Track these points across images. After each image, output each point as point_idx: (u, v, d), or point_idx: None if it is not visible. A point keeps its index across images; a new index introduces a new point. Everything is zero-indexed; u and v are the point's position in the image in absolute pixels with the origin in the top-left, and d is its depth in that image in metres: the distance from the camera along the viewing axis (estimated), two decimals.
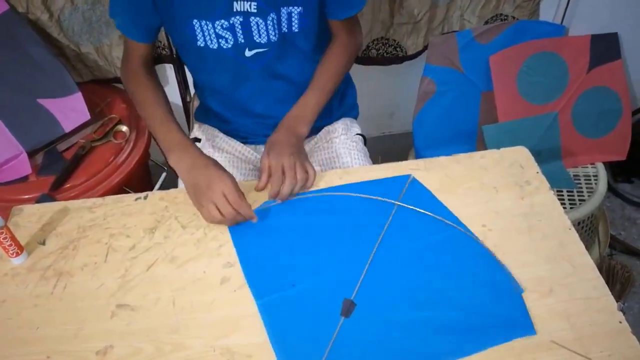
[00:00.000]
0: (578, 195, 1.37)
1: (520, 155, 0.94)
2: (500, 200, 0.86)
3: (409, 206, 0.83)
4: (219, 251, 0.82)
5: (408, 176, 0.89)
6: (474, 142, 1.43)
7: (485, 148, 1.40)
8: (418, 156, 1.45)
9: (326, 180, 0.91)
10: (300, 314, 0.73)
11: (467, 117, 1.42)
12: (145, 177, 1.35)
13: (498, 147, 1.41)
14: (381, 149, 1.41)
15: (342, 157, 1.04)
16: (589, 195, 1.36)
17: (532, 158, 0.93)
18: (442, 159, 0.94)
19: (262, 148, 1.11)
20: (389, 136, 1.75)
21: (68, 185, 1.11)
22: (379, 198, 0.85)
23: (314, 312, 0.73)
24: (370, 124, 1.59)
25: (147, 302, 0.76)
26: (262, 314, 0.73)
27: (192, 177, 0.84)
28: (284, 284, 0.76)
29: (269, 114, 1.02)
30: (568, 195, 1.37)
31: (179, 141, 0.88)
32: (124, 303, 0.76)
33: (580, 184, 1.40)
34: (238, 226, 0.84)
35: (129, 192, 1.14)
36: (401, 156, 1.54)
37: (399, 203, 0.84)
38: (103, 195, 1.10)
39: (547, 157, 1.41)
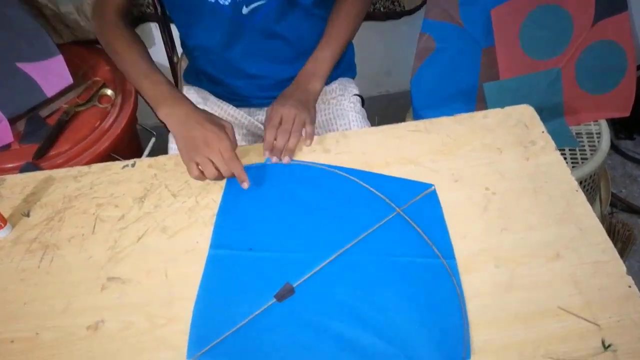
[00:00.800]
0: (580, 154, 1.34)
1: (525, 113, 0.90)
2: (504, 162, 0.82)
3: (407, 218, 0.76)
4: (211, 220, 0.78)
5: (428, 186, 0.81)
6: (474, 101, 1.38)
7: (485, 107, 1.35)
8: (416, 117, 1.40)
9: (323, 144, 0.87)
10: (238, 280, 0.71)
11: (468, 74, 1.36)
12: (133, 142, 1.30)
13: (499, 106, 1.37)
14: (378, 109, 1.36)
15: (339, 119, 1.00)
16: (591, 154, 1.32)
17: (537, 117, 0.89)
18: (444, 119, 0.90)
19: (256, 111, 1.06)
20: (385, 96, 1.70)
21: (53, 152, 1.06)
22: (382, 196, 0.79)
23: (253, 283, 0.71)
24: (366, 83, 1.53)
25: (138, 274, 0.73)
26: (206, 265, 0.72)
27: (186, 130, 0.79)
28: (242, 244, 0.74)
29: (263, 74, 0.97)
30: (570, 154, 1.34)
31: (169, 93, 0.82)
32: (115, 276, 0.73)
33: (582, 142, 1.36)
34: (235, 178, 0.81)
35: (117, 159, 1.09)
36: (399, 116, 1.50)
37: (399, 211, 0.77)
38: (90, 163, 1.06)
39: (549, 115, 1.36)
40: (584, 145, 1.35)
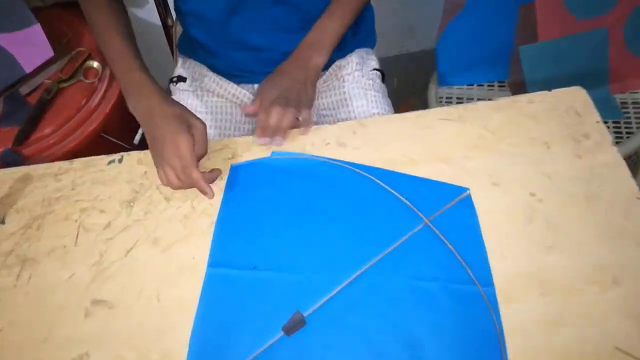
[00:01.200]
0: (625, 127, 1.19)
1: (577, 98, 0.76)
2: (552, 160, 0.70)
3: (437, 232, 0.65)
4: (209, 230, 0.68)
5: (462, 190, 0.69)
6: (507, 66, 1.23)
7: (520, 72, 1.20)
8: (442, 82, 1.26)
9: (337, 135, 0.75)
10: (240, 306, 0.62)
11: (501, 36, 1.20)
12: (125, 120, 1.16)
13: (536, 72, 1.22)
14: (398, 70, 1.21)
15: (356, 99, 0.87)
16: (637, 127, 1.18)
17: (590, 103, 0.76)
18: (480, 105, 0.76)
19: None
20: (406, 56, 1.54)
21: (35, 136, 0.95)
22: (408, 203, 0.67)
23: (257, 310, 0.61)
24: (385, 41, 1.38)
25: (126, 296, 0.64)
26: (203, 287, 0.63)
27: (150, 128, 0.69)
28: (244, 262, 0.64)
29: (266, 45, 0.83)
30: (614, 127, 1.20)
31: (138, 81, 0.70)
32: (100, 298, 0.64)
33: (628, 112, 1.21)
34: (235, 178, 0.71)
35: (108, 140, 0.98)
36: (421, 81, 1.35)
37: (427, 222, 0.66)
38: (78, 146, 0.96)
39: (591, 82, 1.20)
40: (629, 117, 1.21)
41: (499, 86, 1.25)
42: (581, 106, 0.75)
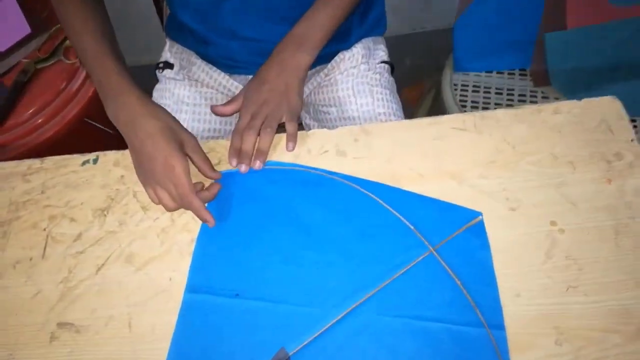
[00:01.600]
0: None
1: (610, 110, 0.67)
2: (578, 184, 0.62)
3: (444, 264, 0.57)
4: (189, 248, 0.61)
5: (475, 214, 0.60)
6: (530, 54, 1.13)
7: (544, 62, 1.10)
8: (458, 68, 1.16)
9: (337, 142, 0.67)
10: (220, 338, 0.55)
11: (525, 21, 1.09)
12: None
13: (562, 62, 1.12)
14: (410, 48, 1.11)
15: (360, 97, 0.78)
16: None
17: (625, 115, 0.67)
18: (499, 113, 0.68)
19: None
20: (421, 34, 1.43)
21: (10, 122, 0.87)
22: (411, 227, 0.60)
23: (238, 344, 0.55)
24: (397, 17, 1.27)
25: (95, 321, 0.58)
26: (180, 315, 0.57)
27: (133, 143, 0.60)
28: (226, 288, 0.58)
29: (261, 37, 0.74)
30: None
31: (117, 86, 0.60)
32: (67, 321, 0.58)
33: None
34: (221, 190, 0.64)
35: (93, 126, 0.91)
36: (435, 63, 1.25)
37: (432, 251, 0.58)
38: (58, 133, 0.89)
39: (625, 74, 1.11)
40: None
41: (520, 75, 1.15)
42: (614, 119, 0.66)
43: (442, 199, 0.62)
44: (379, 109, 0.77)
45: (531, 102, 1.11)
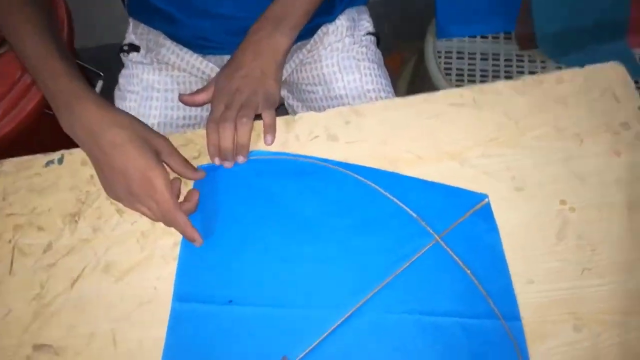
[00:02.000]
0: None
1: (615, 77, 0.63)
2: (586, 158, 0.58)
3: (451, 252, 0.53)
4: (174, 253, 0.56)
5: (480, 197, 0.56)
6: (514, 17, 1.08)
7: (530, 24, 1.05)
8: (440, 35, 1.10)
9: (327, 125, 0.62)
10: (214, 351, 0.51)
11: None
12: None
13: (548, 23, 1.07)
14: (389, 12, 1.04)
15: (346, 73, 0.72)
16: None
17: (631, 82, 0.63)
18: (500, 85, 0.63)
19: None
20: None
21: None
22: (414, 215, 0.55)
23: (234, 355, 0.51)
24: None
25: (75, 339, 0.53)
26: (169, 327, 0.52)
27: (98, 159, 0.54)
28: (218, 295, 0.53)
29: (238, 14, 0.67)
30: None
31: (67, 92, 0.52)
32: (43, 342, 0.53)
33: None
34: (202, 184, 0.58)
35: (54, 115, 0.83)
36: (416, 31, 1.19)
37: (438, 239, 0.54)
38: (18, 127, 0.81)
39: (608, 34, 1.07)
40: None
41: (505, 39, 1.10)
42: (620, 87, 0.62)
43: (443, 182, 0.58)
44: (368, 85, 0.72)
45: (517, 66, 1.07)
